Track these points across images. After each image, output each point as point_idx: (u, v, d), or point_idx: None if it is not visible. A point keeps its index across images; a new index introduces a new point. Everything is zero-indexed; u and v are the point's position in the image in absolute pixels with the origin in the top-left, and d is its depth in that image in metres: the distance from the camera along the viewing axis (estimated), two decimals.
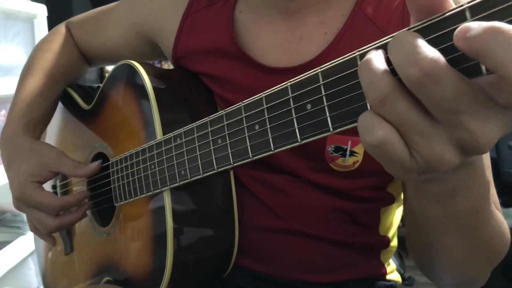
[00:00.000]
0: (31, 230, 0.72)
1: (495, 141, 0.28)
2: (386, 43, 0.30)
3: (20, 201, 0.66)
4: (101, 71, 2.41)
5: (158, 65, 2.01)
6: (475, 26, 0.24)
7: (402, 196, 0.70)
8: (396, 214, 0.70)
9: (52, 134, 0.84)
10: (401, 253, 1.98)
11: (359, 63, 0.32)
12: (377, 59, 0.29)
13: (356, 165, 0.57)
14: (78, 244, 0.78)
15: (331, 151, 0.57)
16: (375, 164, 0.57)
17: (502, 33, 0.24)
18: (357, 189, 0.60)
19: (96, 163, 0.67)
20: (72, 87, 0.82)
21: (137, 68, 0.62)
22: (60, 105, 0.82)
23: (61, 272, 0.82)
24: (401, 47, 0.27)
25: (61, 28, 0.84)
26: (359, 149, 0.56)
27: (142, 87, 0.60)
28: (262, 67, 0.59)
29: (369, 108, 0.32)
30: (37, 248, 0.92)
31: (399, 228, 0.71)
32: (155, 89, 0.60)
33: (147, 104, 0.59)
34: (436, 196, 0.38)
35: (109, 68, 1.71)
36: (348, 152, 0.56)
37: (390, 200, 0.64)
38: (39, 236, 0.73)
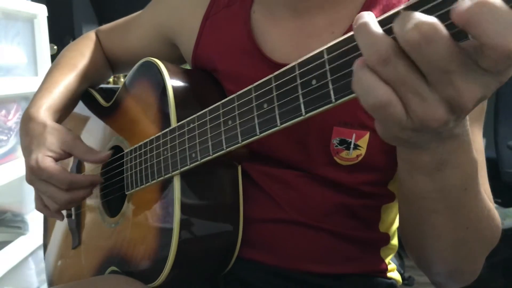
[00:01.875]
0: (38, 209, 0.73)
1: (476, 99, 0.31)
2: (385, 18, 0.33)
3: (33, 174, 0.67)
4: None
5: None
6: (468, 1, 0.28)
7: None
8: (397, 213, 0.70)
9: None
10: (401, 253, 1.98)
11: None
12: (373, 22, 0.32)
13: (359, 158, 0.59)
14: (86, 237, 0.79)
15: (336, 144, 0.58)
16: (377, 158, 0.59)
17: (487, 5, 0.27)
18: (359, 183, 0.61)
19: (108, 152, 0.69)
20: (93, 88, 0.85)
21: (157, 64, 0.65)
22: (81, 105, 0.85)
23: (67, 266, 0.83)
24: (401, 18, 0.31)
25: (91, 34, 0.89)
26: (363, 143, 0.58)
27: (161, 82, 0.63)
28: (273, 64, 0.61)
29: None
30: (44, 244, 0.92)
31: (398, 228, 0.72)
32: (173, 84, 0.62)
33: (165, 98, 0.61)
34: (425, 168, 0.41)
35: None
36: (352, 145, 0.58)
37: (391, 198, 0.65)
38: (46, 214, 0.73)
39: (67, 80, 0.77)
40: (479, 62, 0.30)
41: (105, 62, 0.88)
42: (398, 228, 0.58)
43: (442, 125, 0.33)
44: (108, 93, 0.84)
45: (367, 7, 0.59)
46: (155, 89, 0.65)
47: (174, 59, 0.80)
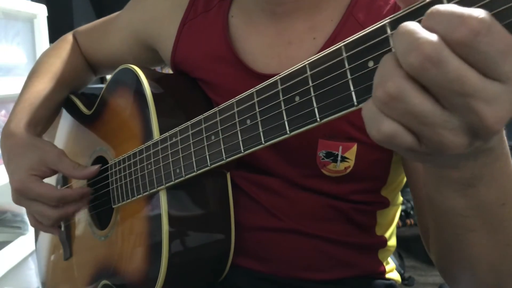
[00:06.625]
0: (33, 225, 0.72)
1: (502, 119, 0.27)
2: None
3: (20, 194, 0.66)
4: None
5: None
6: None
7: (399, 199, 0.70)
8: (394, 215, 0.69)
9: (56, 141, 0.84)
10: (401, 253, 1.98)
11: (344, 54, 0.33)
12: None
13: (348, 170, 0.57)
14: (77, 249, 0.78)
15: (322, 157, 0.57)
16: (367, 169, 0.58)
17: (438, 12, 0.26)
18: (350, 193, 0.60)
19: (96, 167, 0.67)
20: (75, 94, 0.83)
21: (136, 71, 0.63)
22: (63, 112, 0.83)
23: (61, 278, 0.82)
24: (401, 37, 0.27)
25: (69, 36, 0.86)
26: (350, 155, 0.56)
27: (141, 90, 0.61)
28: (253, 72, 0.59)
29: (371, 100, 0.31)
30: (37, 254, 0.92)
31: (398, 227, 0.71)
32: (153, 92, 0.60)
33: (146, 107, 0.60)
34: (456, 184, 0.37)
35: None
36: (339, 158, 0.56)
37: (386, 204, 0.64)
38: (41, 230, 0.73)
39: (47, 90, 0.75)
40: (485, 67, 0.26)
41: (86, 65, 0.85)
42: (432, 249, 0.53)
43: (464, 149, 0.29)
44: (89, 99, 0.82)
45: (350, 10, 0.56)
46: (136, 99, 0.63)
47: (156, 62, 0.78)
